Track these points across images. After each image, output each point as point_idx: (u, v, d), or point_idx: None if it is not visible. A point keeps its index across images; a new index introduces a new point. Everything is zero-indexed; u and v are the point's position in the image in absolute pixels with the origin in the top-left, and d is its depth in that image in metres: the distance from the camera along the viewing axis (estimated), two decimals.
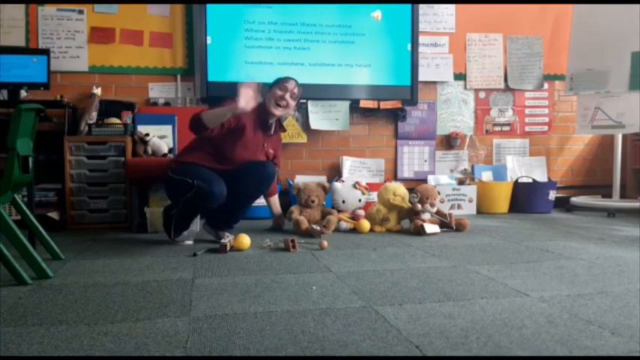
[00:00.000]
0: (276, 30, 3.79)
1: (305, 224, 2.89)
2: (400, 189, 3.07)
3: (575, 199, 4.09)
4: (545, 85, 4.39)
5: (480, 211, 3.97)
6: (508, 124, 4.39)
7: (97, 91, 3.48)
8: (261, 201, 3.04)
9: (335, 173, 4.00)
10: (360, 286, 1.77)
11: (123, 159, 3.18)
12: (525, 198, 4.01)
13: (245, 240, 2.45)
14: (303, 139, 3.98)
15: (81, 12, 3.62)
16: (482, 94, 4.32)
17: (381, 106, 3.98)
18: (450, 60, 4.21)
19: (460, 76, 4.26)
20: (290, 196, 3.46)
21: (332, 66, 3.89)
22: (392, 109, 4.04)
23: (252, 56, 3.75)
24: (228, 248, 2.39)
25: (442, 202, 3.71)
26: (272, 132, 2.82)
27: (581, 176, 4.53)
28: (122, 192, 3.20)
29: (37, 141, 2.19)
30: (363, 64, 3.95)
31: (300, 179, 3.84)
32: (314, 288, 1.75)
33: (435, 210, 3.06)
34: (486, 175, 4.22)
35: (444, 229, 3.03)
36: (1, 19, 3.49)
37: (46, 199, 3.16)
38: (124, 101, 3.57)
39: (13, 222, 1.88)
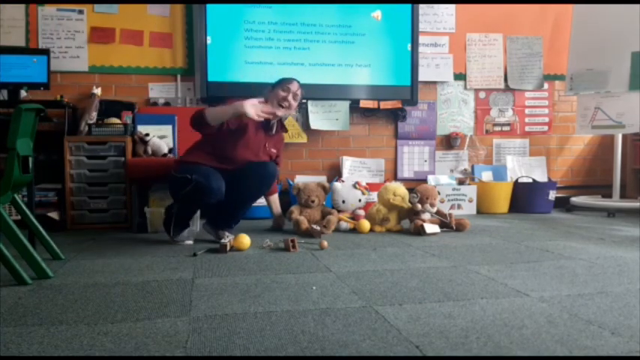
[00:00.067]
0: (276, 30, 3.79)
1: (305, 224, 2.89)
2: (400, 189, 3.07)
3: (575, 199, 4.09)
4: (545, 85, 4.39)
5: (480, 211, 3.97)
6: (508, 124, 4.39)
7: (97, 91, 3.48)
8: (261, 201, 3.05)
9: (335, 173, 4.00)
10: (360, 286, 1.77)
11: (123, 159, 3.18)
12: (525, 198, 4.01)
13: (245, 240, 2.45)
14: (303, 139, 3.98)
15: (81, 12, 3.62)
16: (482, 94, 4.32)
17: (381, 106, 3.98)
18: (450, 60, 4.21)
19: (460, 76, 4.26)
20: (290, 196, 3.46)
21: (332, 66, 3.89)
22: (392, 109, 4.04)
23: (252, 56, 3.75)
24: (228, 248, 2.39)
25: (442, 202, 3.71)
26: (274, 132, 2.82)
27: (581, 176, 4.53)
28: (122, 192, 3.20)
29: (37, 141, 2.19)
30: (363, 64, 3.95)
31: (300, 179, 3.84)
32: (314, 288, 1.75)
33: (435, 210, 3.06)
34: (486, 175, 4.22)
35: (444, 229, 3.03)
36: (1, 19, 3.49)
37: (46, 199, 3.16)
38: (124, 101, 3.57)
39: (13, 222, 1.88)
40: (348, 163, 3.99)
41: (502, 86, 4.33)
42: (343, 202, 3.22)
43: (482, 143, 4.31)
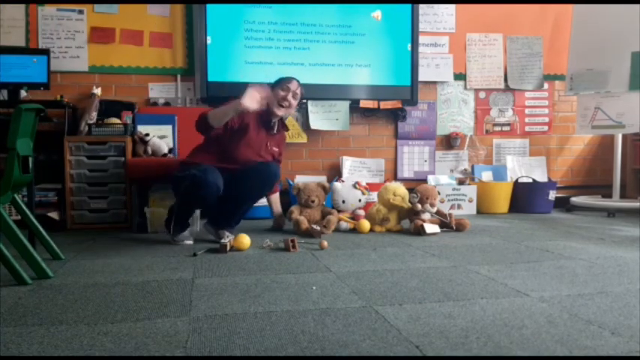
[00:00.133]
0: (276, 30, 3.79)
1: (305, 224, 2.89)
2: (400, 189, 3.07)
3: (575, 199, 4.09)
4: (545, 85, 4.39)
5: (480, 211, 3.97)
6: (508, 124, 4.39)
7: (97, 91, 3.48)
8: (261, 201, 3.05)
9: (335, 173, 4.00)
10: (360, 286, 1.77)
11: (123, 159, 3.18)
12: (525, 198, 4.01)
13: (245, 240, 2.45)
14: (303, 139, 3.98)
15: (81, 12, 3.62)
16: (482, 94, 4.32)
17: (381, 106, 3.98)
18: (450, 60, 4.21)
19: (460, 76, 4.26)
20: (290, 196, 3.46)
21: (332, 66, 3.89)
22: (392, 109, 4.04)
23: (252, 56, 3.75)
24: (228, 248, 2.39)
25: (442, 202, 3.71)
26: (275, 131, 2.83)
27: (581, 176, 4.53)
28: (122, 192, 3.20)
29: (37, 141, 2.19)
30: (363, 64, 3.95)
31: (300, 179, 3.84)
32: (314, 288, 1.75)
33: (435, 210, 3.06)
34: (486, 175, 4.22)
35: (444, 229, 3.03)
36: (1, 19, 3.49)
37: (46, 199, 3.16)
38: (124, 101, 3.57)
39: (13, 222, 1.88)
40: (348, 163, 3.99)
41: (502, 86, 4.33)
42: (343, 202, 3.23)
43: (482, 143, 4.31)
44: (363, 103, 3.95)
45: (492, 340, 1.25)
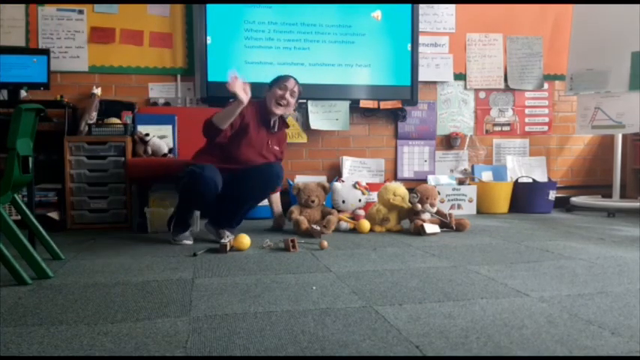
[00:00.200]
0: (276, 30, 3.79)
1: (305, 224, 2.89)
2: (400, 189, 3.07)
3: (575, 199, 4.09)
4: (545, 85, 4.39)
5: (480, 211, 3.97)
6: (508, 124, 4.39)
7: (97, 91, 3.48)
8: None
9: (335, 173, 4.00)
10: (360, 286, 1.77)
11: (123, 159, 3.18)
12: (525, 198, 4.01)
13: (245, 240, 2.45)
14: (303, 139, 3.98)
15: (81, 12, 3.62)
16: (482, 94, 4.32)
17: (381, 106, 3.98)
18: (450, 60, 4.21)
19: (460, 76, 4.26)
20: (290, 196, 3.46)
21: (332, 66, 3.89)
22: (392, 109, 4.04)
23: (252, 56, 3.75)
24: (228, 248, 2.39)
25: (442, 202, 3.71)
26: (276, 130, 2.84)
27: (581, 176, 4.53)
28: (122, 192, 3.20)
29: (37, 141, 2.19)
30: (363, 64, 3.95)
31: (300, 179, 3.84)
32: (314, 288, 1.75)
33: (435, 210, 3.06)
34: (486, 175, 4.22)
35: (444, 229, 3.03)
36: (1, 19, 3.49)
37: (46, 199, 3.16)
38: (124, 101, 3.57)
39: (13, 222, 1.88)
40: (348, 163, 3.99)
41: (502, 86, 4.33)
42: (343, 202, 3.23)
43: (482, 143, 4.31)
44: (363, 103, 3.95)
45: (492, 340, 1.25)
